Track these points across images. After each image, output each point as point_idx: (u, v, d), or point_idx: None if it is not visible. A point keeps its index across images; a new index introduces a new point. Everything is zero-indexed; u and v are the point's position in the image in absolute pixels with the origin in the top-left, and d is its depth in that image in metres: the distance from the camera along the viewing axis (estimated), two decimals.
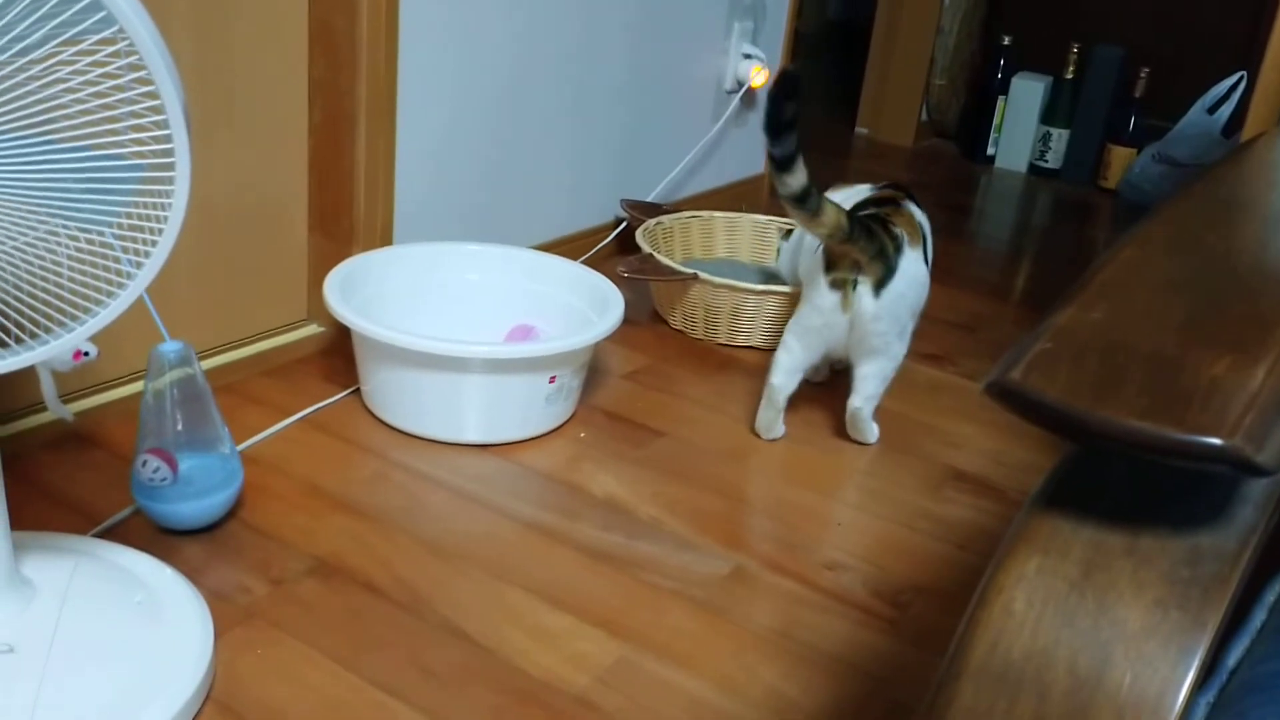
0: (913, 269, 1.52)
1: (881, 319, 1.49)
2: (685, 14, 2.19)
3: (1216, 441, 0.45)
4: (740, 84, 2.36)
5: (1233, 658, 0.60)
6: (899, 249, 1.50)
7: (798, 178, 1.40)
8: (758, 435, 1.60)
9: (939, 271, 1.64)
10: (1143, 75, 2.96)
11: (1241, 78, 2.90)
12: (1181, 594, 0.47)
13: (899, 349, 1.55)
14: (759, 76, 2.34)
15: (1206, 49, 3.03)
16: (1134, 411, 0.46)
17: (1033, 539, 0.50)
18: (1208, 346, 0.51)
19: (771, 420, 1.59)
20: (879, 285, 1.48)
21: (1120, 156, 3.03)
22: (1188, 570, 0.48)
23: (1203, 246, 0.62)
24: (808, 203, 1.41)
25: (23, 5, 0.78)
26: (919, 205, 1.64)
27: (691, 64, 2.26)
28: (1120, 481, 0.52)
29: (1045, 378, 0.49)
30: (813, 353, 1.55)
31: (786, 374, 1.55)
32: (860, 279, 1.48)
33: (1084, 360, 0.50)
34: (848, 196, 1.69)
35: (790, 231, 1.93)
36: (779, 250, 1.97)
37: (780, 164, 1.39)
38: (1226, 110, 2.91)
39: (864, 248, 1.46)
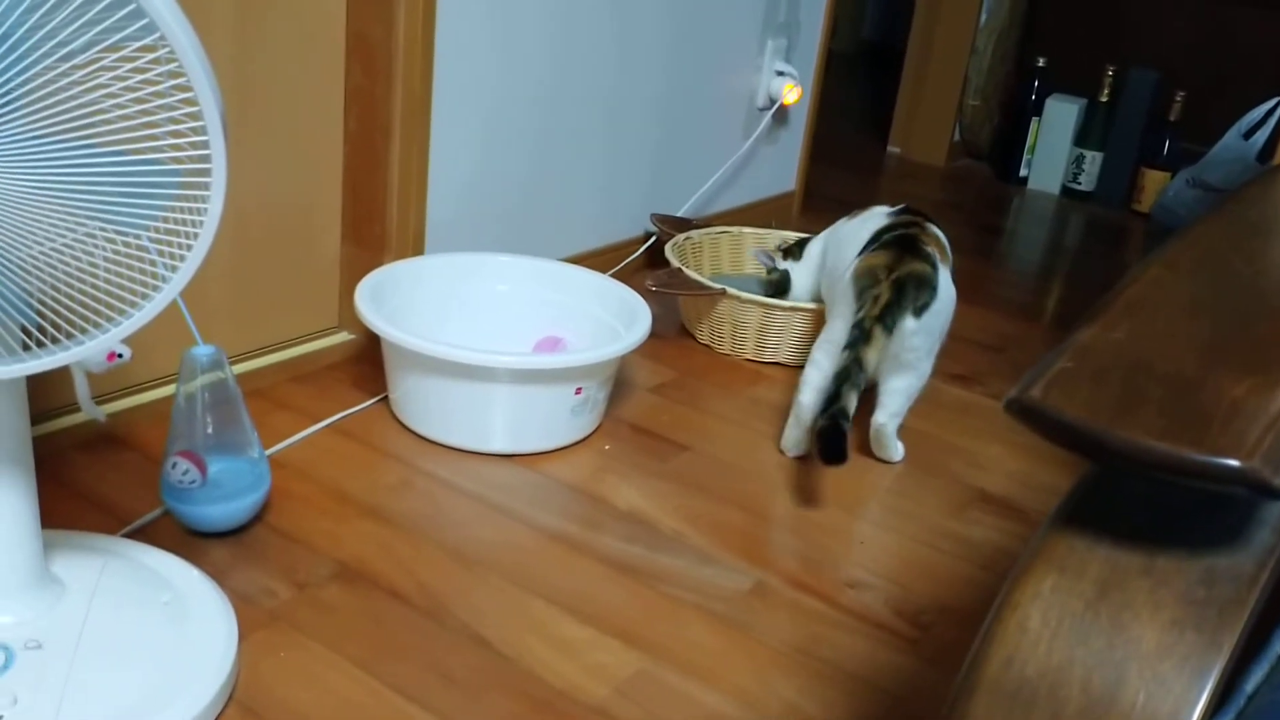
0: (947, 286, 1.53)
1: (919, 334, 1.50)
2: (719, 30, 2.20)
3: (1234, 463, 0.45)
4: (772, 101, 2.37)
5: (1251, 683, 0.60)
6: (935, 269, 1.51)
7: (850, 404, 1.44)
8: (783, 452, 1.60)
9: (968, 291, 1.64)
10: (1178, 99, 2.95)
11: (1278, 103, 2.88)
12: (1197, 615, 0.47)
13: (927, 366, 1.55)
14: (791, 94, 2.35)
15: (1243, 73, 3.01)
16: (1153, 432, 0.46)
17: (1049, 557, 0.50)
18: (1229, 368, 0.51)
19: (798, 438, 1.59)
20: (922, 309, 1.48)
21: (1154, 180, 3.01)
22: (1204, 591, 0.48)
23: (1228, 268, 0.62)
24: (860, 384, 1.45)
25: (67, 11, 0.80)
26: (938, 227, 1.65)
27: (724, 80, 2.27)
28: (1138, 501, 0.52)
29: (1065, 396, 0.49)
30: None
31: (815, 392, 1.54)
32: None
33: (1105, 380, 0.50)
34: (862, 222, 1.69)
35: (790, 249, 1.92)
36: (780, 277, 1.89)
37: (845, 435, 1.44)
38: (1262, 136, 2.89)
39: (913, 304, 1.47)
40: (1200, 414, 0.47)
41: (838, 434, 1.43)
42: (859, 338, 1.45)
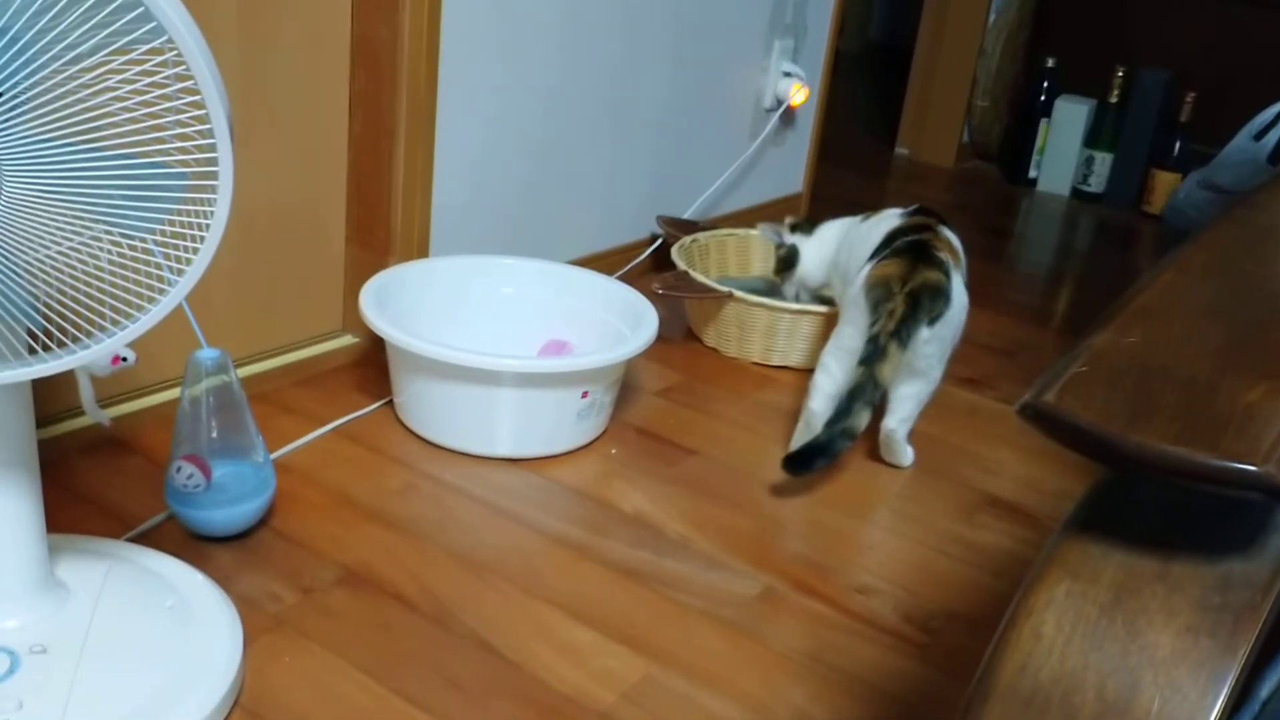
0: (960, 294, 1.52)
1: (932, 342, 1.49)
2: (726, 32, 2.20)
3: (1249, 468, 0.44)
4: (779, 102, 2.36)
5: (1266, 689, 0.59)
6: (949, 277, 1.50)
7: (860, 422, 1.46)
8: None
9: (977, 294, 1.63)
10: (1188, 100, 2.94)
11: None
12: (1212, 621, 0.46)
13: (938, 372, 1.55)
14: (799, 95, 2.34)
15: (1253, 74, 3.00)
16: (1167, 437, 0.46)
17: (1064, 562, 0.50)
18: (1243, 373, 0.50)
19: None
20: (935, 319, 1.48)
21: (1164, 181, 3.00)
22: (1219, 597, 0.47)
23: (1241, 273, 0.61)
24: (874, 400, 1.46)
25: (76, 14, 0.79)
26: (952, 230, 1.63)
27: (731, 81, 2.27)
28: (1152, 507, 0.51)
29: (1079, 401, 0.48)
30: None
31: (825, 398, 1.52)
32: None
33: (1119, 384, 0.50)
34: (876, 224, 1.67)
35: (798, 224, 1.90)
36: (787, 251, 1.87)
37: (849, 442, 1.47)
38: (1273, 137, 2.87)
39: (928, 316, 1.47)
40: (1215, 419, 0.47)
41: (818, 454, 1.46)
42: (874, 354, 1.45)
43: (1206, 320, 0.56)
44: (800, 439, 1.57)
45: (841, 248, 1.77)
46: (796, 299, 1.87)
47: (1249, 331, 0.55)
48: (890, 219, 1.66)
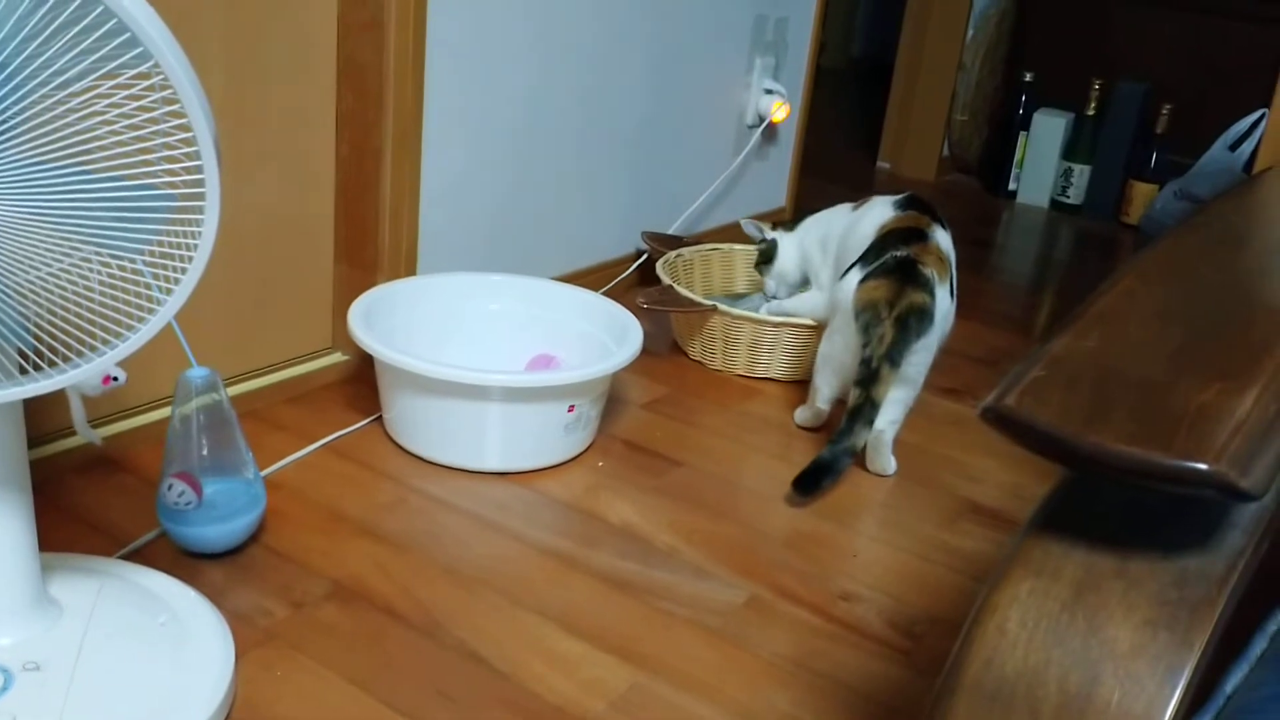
0: (944, 302, 1.55)
1: (920, 352, 1.55)
2: (707, 49, 2.22)
3: (1202, 466, 0.46)
4: (761, 118, 2.39)
5: (1231, 684, 0.61)
6: (933, 294, 1.53)
7: (861, 440, 1.53)
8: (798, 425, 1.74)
9: (960, 305, 1.65)
10: (1165, 111, 2.97)
11: (1263, 115, 2.91)
12: (1170, 615, 0.48)
13: (923, 378, 1.59)
14: (780, 111, 2.37)
15: (1229, 86, 3.04)
16: (1122, 437, 0.48)
17: (1026, 561, 0.51)
18: (1197, 374, 0.52)
19: (809, 416, 1.72)
20: (921, 335, 1.53)
21: (1142, 192, 3.03)
22: (1176, 592, 0.49)
23: (1198, 278, 0.63)
24: (872, 418, 1.53)
25: (63, 40, 0.81)
26: (944, 224, 1.64)
27: (713, 98, 2.29)
28: (1112, 506, 0.53)
29: (1038, 403, 0.50)
30: (846, 373, 1.61)
31: (834, 375, 1.64)
32: None
33: (1076, 387, 0.51)
34: (864, 213, 1.69)
35: (782, 223, 1.94)
36: (767, 245, 1.91)
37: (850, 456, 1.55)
38: (1248, 147, 2.91)
39: (916, 337, 1.53)
40: (1169, 419, 0.49)
41: (825, 473, 1.51)
42: (868, 377, 1.52)
43: (1162, 324, 0.58)
44: (804, 412, 1.72)
45: (829, 235, 1.79)
46: (775, 295, 1.91)
47: (1203, 334, 0.57)
48: (882, 208, 1.67)
